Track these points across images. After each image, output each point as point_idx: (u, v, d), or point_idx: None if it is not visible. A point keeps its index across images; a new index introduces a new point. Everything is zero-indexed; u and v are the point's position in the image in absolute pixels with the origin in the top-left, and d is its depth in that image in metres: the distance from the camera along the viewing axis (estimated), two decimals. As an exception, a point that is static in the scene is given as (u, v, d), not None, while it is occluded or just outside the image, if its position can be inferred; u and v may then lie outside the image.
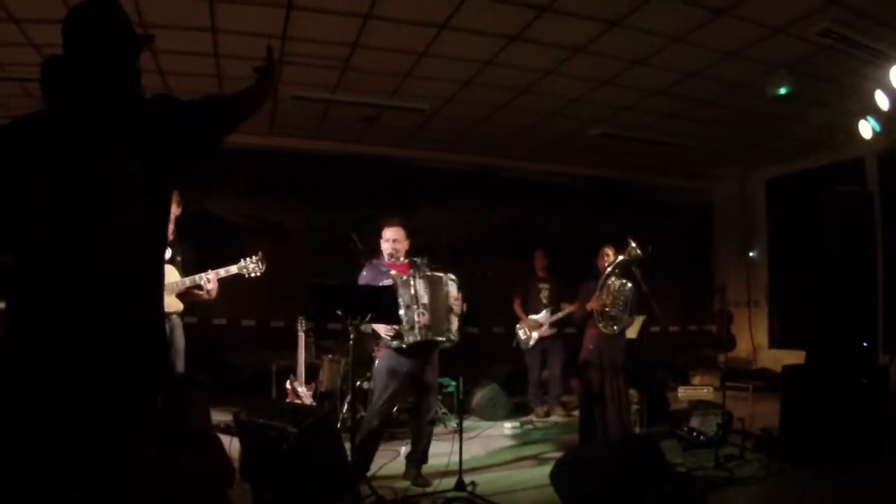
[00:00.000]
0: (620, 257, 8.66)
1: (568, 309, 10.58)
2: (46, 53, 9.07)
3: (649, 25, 8.16)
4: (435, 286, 7.10)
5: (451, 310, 7.20)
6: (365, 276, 7.30)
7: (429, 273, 7.16)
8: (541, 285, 11.75)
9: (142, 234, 2.90)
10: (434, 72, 9.77)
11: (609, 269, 8.70)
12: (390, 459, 7.92)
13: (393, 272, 7.21)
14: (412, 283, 7.00)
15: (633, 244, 8.55)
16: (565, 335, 11.47)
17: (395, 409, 7.96)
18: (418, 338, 6.89)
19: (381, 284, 7.05)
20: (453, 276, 7.37)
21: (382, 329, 6.90)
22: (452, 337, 7.20)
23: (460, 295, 7.29)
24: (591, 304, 8.72)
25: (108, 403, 2.75)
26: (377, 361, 7.31)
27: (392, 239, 7.37)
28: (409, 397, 7.74)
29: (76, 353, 2.70)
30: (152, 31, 8.29)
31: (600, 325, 8.69)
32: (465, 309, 7.29)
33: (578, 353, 8.98)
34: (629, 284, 8.70)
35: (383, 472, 7.43)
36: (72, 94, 2.94)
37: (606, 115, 11.54)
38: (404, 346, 6.87)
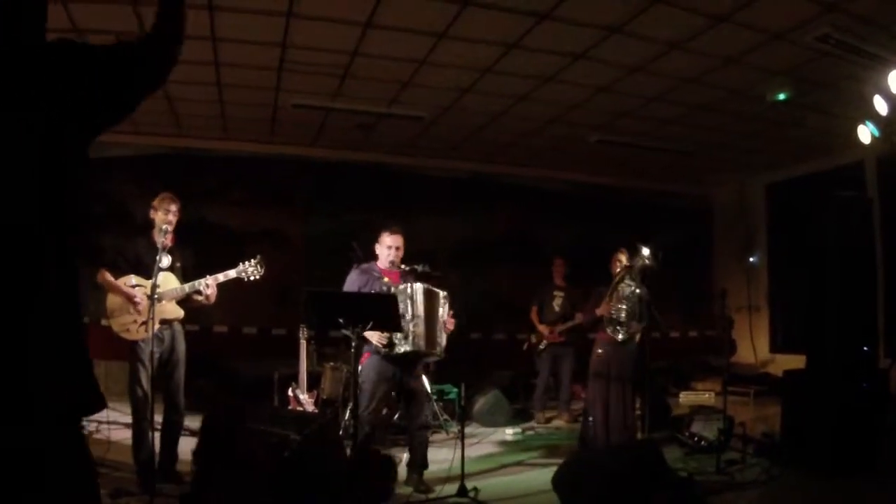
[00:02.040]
0: (629, 264, 8.70)
1: (579, 319, 10.54)
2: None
3: (648, 32, 8.18)
4: (432, 299, 7.11)
5: (443, 325, 7.22)
6: (355, 281, 7.28)
7: (427, 286, 7.15)
8: (556, 293, 11.75)
9: (37, 208, 2.36)
10: (433, 80, 9.80)
11: (619, 275, 8.74)
12: (391, 466, 7.92)
13: (386, 279, 7.24)
14: (409, 292, 6.99)
15: (645, 252, 8.58)
16: (577, 342, 11.46)
17: (384, 412, 7.93)
18: (410, 348, 6.90)
19: (376, 291, 7.10)
20: (445, 294, 7.36)
21: (375, 336, 6.85)
22: (440, 352, 7.24)
23: (451, 313, 7.34)
24: (600, 310, 8.77)
25: None
26: (361, 368, 7.19)
27: (395, 247, 7.36)
28: (400, 404, 7.78)
29: None
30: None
31: (608, 330, 8.74)
32: (453, 328, 7.34)
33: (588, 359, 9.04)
34: (638, 290, 8.74)
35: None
36: None
37: (605, 121, 11.56)
38: (393, 354, 6.88)
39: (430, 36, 8.40)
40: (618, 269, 8.82)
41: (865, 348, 8.04)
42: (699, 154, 13.44)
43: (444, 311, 7.28)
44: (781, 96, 9.66)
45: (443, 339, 7.22)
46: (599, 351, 8.90)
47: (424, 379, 9.55)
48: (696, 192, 16.77)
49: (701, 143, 12.77)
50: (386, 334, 6.82)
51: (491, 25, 8.07)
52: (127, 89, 2.75)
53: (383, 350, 6.95)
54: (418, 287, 7.07)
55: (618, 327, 8.70)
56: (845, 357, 7.90)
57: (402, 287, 7.06)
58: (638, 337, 8.84)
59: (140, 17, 8.33)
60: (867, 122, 9.41)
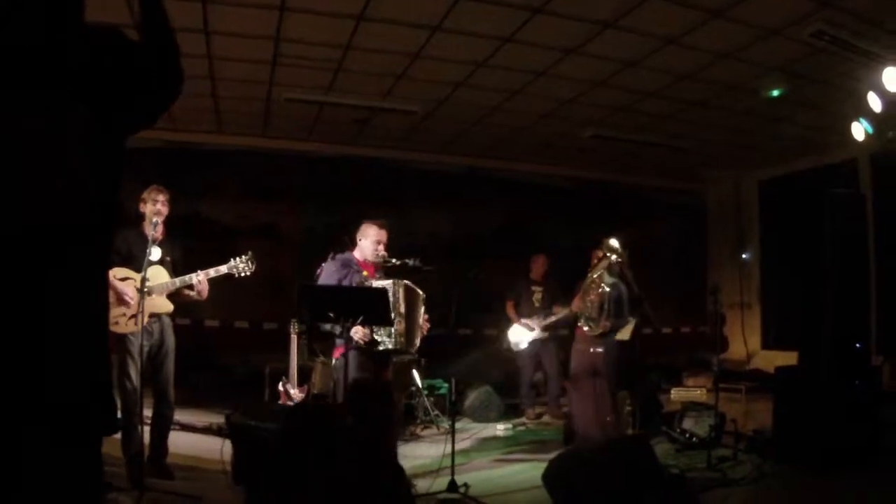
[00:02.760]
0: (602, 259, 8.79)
1: (561, 313, 10.54)
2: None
3: (642, 27, 8.16)
4: (414, 297, 7.11)
5: (420, 325, 7.21)
6: (333, 273, 7.20)
7: (409, 284, 7.15)
8: (534, 288, 11.71)
9: (85, 199, 2.30)
10: (427, 73, 9.78)
11: (592, 271, 8.87)
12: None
13: (364, 273, 7.21)
14: (392, 289, 6.94)
15: (613, 243, 8.66)
16: (559, 337, 11.43)
17: None
18: (391, 346, 6.90)
19: (356, 284, 7.06)
20: (424, 296, 7.34)
21: (360, 332, 6.69)
22: (413, 352, 7.37)
23: (426, 317, 7.35)
24: (574, 305, 9.06)
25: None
26: (335, 362, 7.24)
27: (382, 242, 7.32)
28: None
29: None
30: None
31: (581, 324, 8.89)
32: (426, 332, 7.35)
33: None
34: (608, 288, 8.80)
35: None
36: None
37: (600, 116, 11.55)
38: (374, 351, 6.84)
39: (424, 29, 8.38)
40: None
41: (858, 345, 8.04)
42: (693, 150, 13.44)
43: (421, 311, 7.27)
44: (776, 92, 9.66)
45: (417, 340, 7.21)
46: (578, 347, 9.02)
47: (415, 374, 9.58)
48: (690, 188, 16.78)
49: (695, 139, 12.77)
50: (367, 330, 6.75)
51: (485, 19, 8.05)
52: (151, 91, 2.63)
53: (364, 346, 6.83)
54: (402, 285, 7.05)
55: (590, 323, 8.79)
56: (838, 354, 7.90)
57: (385, 283, 6.99)
58: (629, 333, 8.85)
59: (133, 8, 8.36)
60: (861, 119, 9.42)
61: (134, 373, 6.77)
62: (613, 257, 8.64)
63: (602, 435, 8.51)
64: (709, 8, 7.64)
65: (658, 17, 7.88)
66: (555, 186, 15.49)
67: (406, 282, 7.14)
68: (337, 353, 7.16)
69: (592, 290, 8.84)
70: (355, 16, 8.03)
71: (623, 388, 9.43)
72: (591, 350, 8.82)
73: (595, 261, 8.95)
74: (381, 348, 6.86)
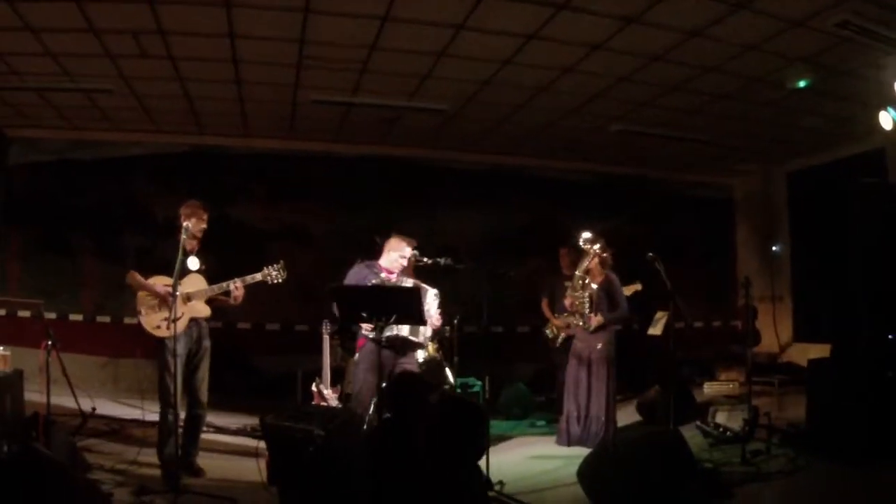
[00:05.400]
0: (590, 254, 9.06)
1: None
2: (63, 63, 9.21)
3: (667, 21, 8.13)
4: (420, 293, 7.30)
5: (429, 319, 7.47)
6: (354, 274, 7.80)
7: (416, 282, 7.63)
8: (567, 284, 11.66)
9: None
10: (453, 72, 9.79)
11: (582, 266, 9.17)
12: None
13: (383, 274, 7.70)
14: (397, 281, 7.58)
15: (586, 235, 9.07)
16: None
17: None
18: (394, 332, 7.27)
19: (370, 282, 7.53)
20: (437, 292, 7.80)
21: (366, 325, 7.16)
22: (424, 341, 7.94)
23: (439, 312, 7.82)
24: (566, 302, 9.30)
25: None
26: (358, 354, 7.82)
27: (407, 257, 7.84)
28: None
29: None
30: (170, 37, 8.40)
31: (574, 320, 9.22)
32: (443, 325, 8.10)
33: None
34: (593, 284, 9.08)
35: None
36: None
37: (626, 111, 11.51)
38: (381, 338, 6.91)
39: (449, 28, 8.39)
40: (566, 264, 9.13)
41: (891, 336, 7.99)
42: (720, 143, 13.35)
43: (432, 306, 7.67)
44: (802, 83, 9.60)
45: (427, 331, 7.71)
46: (576, 343, 9.22)
47: (448, 372, 9.63)
48: (718, 182, 16.68)
49: (722, 132, 12.68)
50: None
51: (509, 16, 8.06)
52: None
53: (371, 335, 7.28)
54: (408, 282, 7.58)
55: (582, 319, 9.02)
56: (870, 345, 7.86)
57: (394, 279, 7.58)
58: (661, 328, 8.88)
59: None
60: (888, 109, 9.36)
61: (175, 375, 6.98)
62: (597, 247, 8.90)
63: (594, 435, 8.63)
64: (733, 0, 7.61)
65: (683, 11, 7.85)
66: (583, 182, 15.44)
67: (413, 280, 7.71)
68: (360, 344, 7.78)
69: (580, 286, 8.97)
70: (380, 16, 8.05)
71: (656, 383, 9.46)
72: (587, 347, 9.01)
73: (567, 259, 9.16)
74: (385, 335, 6.92)
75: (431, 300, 7.71)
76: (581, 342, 9.10)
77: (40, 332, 8.02)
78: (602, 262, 9.06)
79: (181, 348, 6.95)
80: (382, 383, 6.87)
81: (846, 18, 7.87)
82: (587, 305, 8.97)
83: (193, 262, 7.27)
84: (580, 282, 9.04)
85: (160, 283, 7.18)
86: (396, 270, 7.80)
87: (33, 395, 7.91)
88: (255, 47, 8.90)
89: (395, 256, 7.79)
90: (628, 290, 9.32)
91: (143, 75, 9.84)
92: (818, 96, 10.36)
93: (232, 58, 9.20)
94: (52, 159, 12.85)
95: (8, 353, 8.20)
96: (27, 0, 7.51)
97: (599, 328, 8.93)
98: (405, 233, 8.11)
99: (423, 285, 7.67)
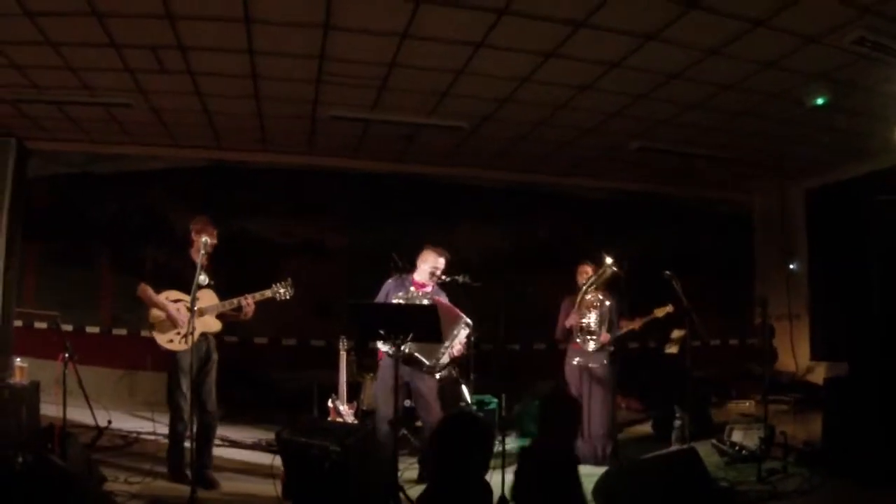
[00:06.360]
0: (596, 274, 9.10)
1: (626, 327, 10.24)
2: (83, 77, 9.27)
3: (684, 39, 8.13)
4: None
5: (451, 346, 7.61)
6: (385, 288, 7.97)
7: (458, 312, 7.74)
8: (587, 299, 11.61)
9: None
10: (472, 90, 9.81)
11: (585, 286, 9.11)
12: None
13: (413, 288, 7.79)
14: (431, 293, 7.74)
15: (609, 261, 8.86)
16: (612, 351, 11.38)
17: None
18: (408, 350, 7.19)
19: (401, 296, 7.67)
20: (469, 322, 7.76)
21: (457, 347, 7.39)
22: (433, 365, 7.62)
23: (466, 342, 7.89)
24: (570, 321, 9.19)
25: None
26: (380, 371, 7.98)
27: (438, 268, 7.89)
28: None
29: None
30: (189, 53, 8.45)
31: (578, 340, 9.08)
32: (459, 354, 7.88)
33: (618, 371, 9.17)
34: (607, 302, 9.08)
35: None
36: None
37: (644, 129, 11.50)
38: (398, 355, 6.88)
39: (468, 45, 8.40)
40: (583, 281, 9.03)
41: (909, 355, 7.96)
42: (739, 160, 13.32)
43: (458, 335, 7.70)
44: (820, 101, 9.58)
45: (444, 358, 7.64)
46: (573, 362, 9.21)
47: (464, 389, 9.62)
48: (737, 198, 16.63)
49: (740, 149, 12.65)
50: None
51: (527, 34, 8.07)
52: None
53: (390, 351, 7.12)
54: (444, 300, 7.70)
55: (588, 337, 8.99)
56: (888, 364, 7.83)
57: (419, 294, 7.68)
58: (677, 347, 8.87)
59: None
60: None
61: (186, 388, 7.14)
62: (608, 272, 8.89)
63: (594, 455, 8.67)
64: (750, 18, 7.60)
65: (700, 29, 7.84)
66: (601, 200, 15.43)
67: (448, 303, 7.78)
68: (380, 357, 7.91)
69: (591, 304, 8.94)
70: (399, 33, 8.07)
71: (672, 402, 9.43)
72: (589, 366, 9.04)
73: (585, 276, 9.09)
74: (404, 352, 6.96)
75: (463, 330, 7.73)
76: (581, 359, 9.10)
77: (57, 343, 8.10)
78: (614, 280, 9.06)
79: (189, 363, 7.00)
80: (400, 400, 6.90)
81: (862, 35, 7.85)
82: (598, 324, 8.96)
83: (203, 277, 7.34)
84: (591, 300, 9.03)
85: (172, 296, 7.38)
86: (430, 283, 7.86)
87: (49, 406, 7.95)
88: (274, 63, 8.93)
89: (427, 269, 7.87)
90: (660, 312, 9.23)
91: (162, 90, 9.89)
92: (836, 113, 10.32)
93: (251, 73, 9.23)
94: (71, 172, 12.94)
95: (25, 364, 8.29)
96: (48, 15, 7.56)
97: (601, 347, 8.99)
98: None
99: (464, 317, 7.71)
